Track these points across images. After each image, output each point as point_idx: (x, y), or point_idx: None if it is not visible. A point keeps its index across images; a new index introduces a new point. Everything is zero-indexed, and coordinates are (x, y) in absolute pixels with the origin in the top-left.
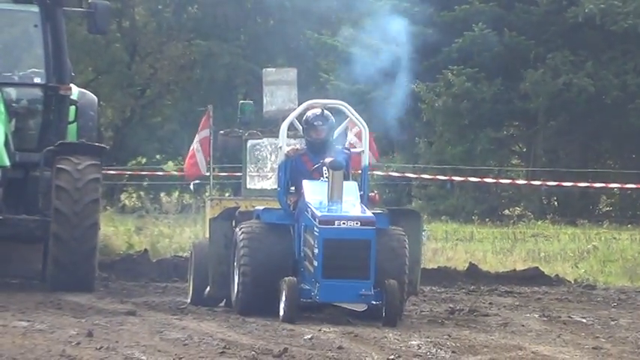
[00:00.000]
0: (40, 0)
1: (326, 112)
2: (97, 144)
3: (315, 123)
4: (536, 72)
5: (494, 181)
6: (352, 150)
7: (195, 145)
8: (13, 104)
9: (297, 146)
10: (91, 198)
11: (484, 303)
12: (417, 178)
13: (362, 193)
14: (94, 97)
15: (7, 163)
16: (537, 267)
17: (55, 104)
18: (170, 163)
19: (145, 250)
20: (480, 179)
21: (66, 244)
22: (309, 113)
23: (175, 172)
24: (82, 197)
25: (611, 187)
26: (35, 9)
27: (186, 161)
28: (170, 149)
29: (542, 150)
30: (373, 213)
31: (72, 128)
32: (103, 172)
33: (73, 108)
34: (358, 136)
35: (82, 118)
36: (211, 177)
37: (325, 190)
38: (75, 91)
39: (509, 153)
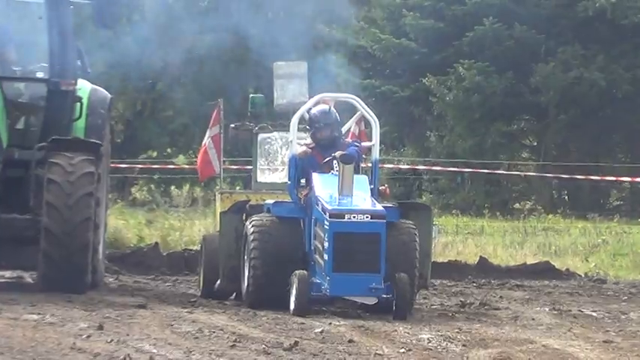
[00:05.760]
0: None
1: (331, 108)
2: (91, 140)
3: (317, 125)
4: (547, 66)
5: (505, 172)
6: (363, 144)
7: (206, 141)
8: (17, 99)
9: (307, 140)
10: (84, 191)
11: (494, 297)
12: (427, 170)
13: (372, 186)
14: (107, 94)
15: None
16: (548, 261)
17: (56, 100)
18: (181, 157)
19: (156, 243)
20: (490, 171)
21: (57, 239)
22: (313, 112)
23: (186, 166)
24: (74, 190)
25: (621, 181)
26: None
27: (199, 159)
28: (181, 143)
29: (552, 144)
30: (383, 206)
31: (79, 126)
32: (114, 165)
33: (78, 105)
34: (361, 135)
35: (91, 116)
36: (222, 170)
37: (335, 183)
38: (87, 88)
39: (520, 147)
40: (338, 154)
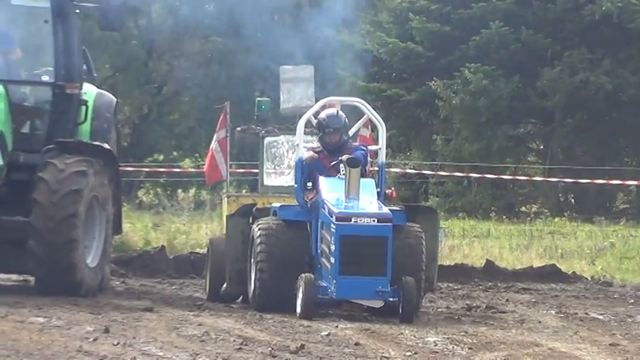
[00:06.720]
0: None
1: (340, 112)
2: (96, 143)
3: (327, 130)
4: (553, 70)
5: (511, 177)
6: (370, 147)
7: (213, 145)
8: (23, 103)
9: (314, 144)
10: (70, 188)
11: (501, 300)
12: (433, 175)
13: (379, 189)
14: (113, 98)
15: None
16: (554, 264)
17: (61, 104)
18: (187, 160)
19: (162, 246)
20: (497, 176)
21: (41, 236)
22: (322, 116)
23: (192, 169)
24: (61, 188)
25: (627, 185)
26: (47, 4)
27: (207, 163)
28: (187, 146)
29: (559, 147)
30: (390, 210)
31: (85, 129)
32: (120, 169)
33: (84, 108)
34: (369, 139)
35: (97, 120)
36: (228, 174)
37: (342, 186)
38: (93, 92)
39: (527, 150)
40: (345, 157)
